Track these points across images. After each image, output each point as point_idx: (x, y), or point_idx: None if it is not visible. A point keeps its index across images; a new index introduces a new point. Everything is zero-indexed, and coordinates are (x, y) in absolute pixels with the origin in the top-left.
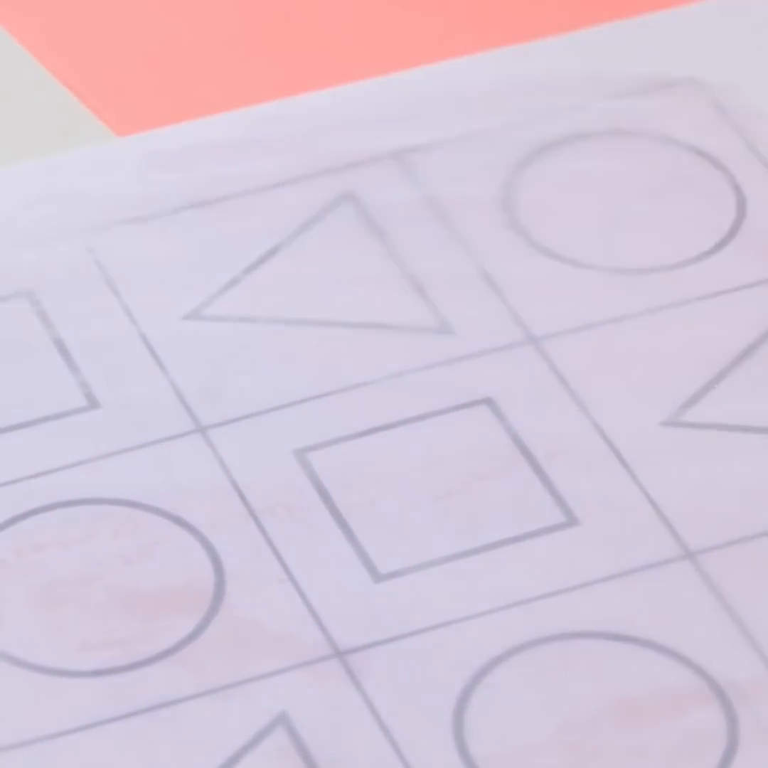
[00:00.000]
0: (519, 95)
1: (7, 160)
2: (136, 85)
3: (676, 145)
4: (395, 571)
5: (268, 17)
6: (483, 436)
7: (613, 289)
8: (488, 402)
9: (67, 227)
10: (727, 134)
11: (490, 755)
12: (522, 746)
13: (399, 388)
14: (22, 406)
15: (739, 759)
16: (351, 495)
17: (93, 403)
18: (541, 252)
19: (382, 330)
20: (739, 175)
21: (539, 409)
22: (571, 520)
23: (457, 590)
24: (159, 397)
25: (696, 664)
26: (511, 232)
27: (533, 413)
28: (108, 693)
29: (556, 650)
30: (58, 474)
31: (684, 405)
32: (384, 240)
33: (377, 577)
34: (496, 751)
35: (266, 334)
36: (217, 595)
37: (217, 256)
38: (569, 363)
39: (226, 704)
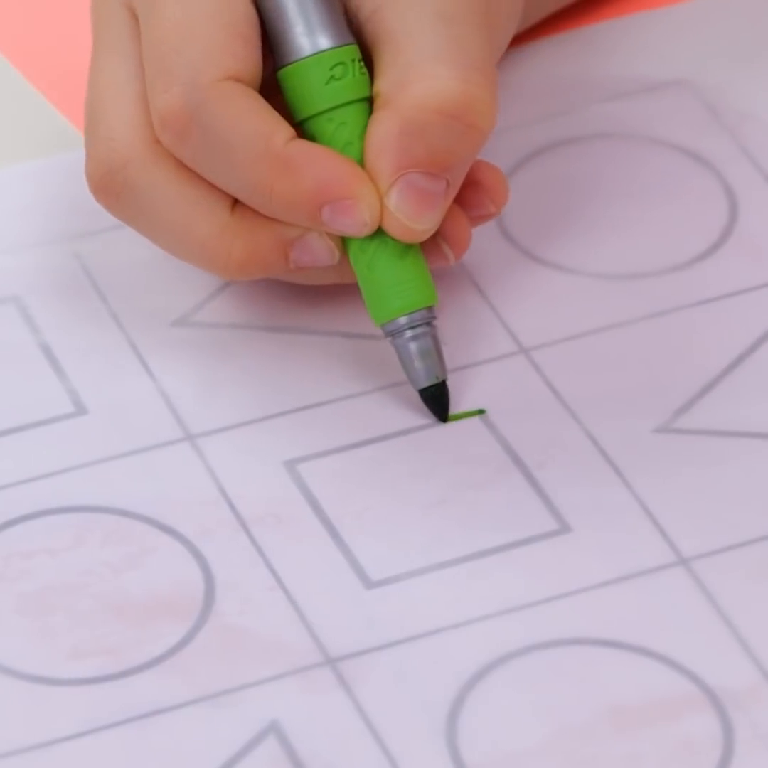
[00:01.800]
0: (507, 100)
1: None
2: None
3: (667, 148)
4: (387, 578)
5: None
6: (474, 445)
7: (604, 295)
8: (480, 413)
9: (53, 233)
10: (719, 136)
11: (483, 762)
12: (515, 753)
13: (390, 399)
14: (8, 412)
15: (734, 766)
16: (342, 504)
17: (81, 410)
18: (532, 259)
19: (373, 340)
20: (731, 178)
21: (530, 418)
22: (563, 528)
23: (449, 597)
24: (148, 405)
25: (690, 670)
26: (501, 240)
27: (525, 422)
28: (98, 701)
29: (549, 657)
30: (46, 481)
31: (676, 412)
32: None
33: (369, 584)
34: (490, 758)
35: (256, 342)
36: (207, 603)
37: None
38: (560, 372)
39: (217, 712)
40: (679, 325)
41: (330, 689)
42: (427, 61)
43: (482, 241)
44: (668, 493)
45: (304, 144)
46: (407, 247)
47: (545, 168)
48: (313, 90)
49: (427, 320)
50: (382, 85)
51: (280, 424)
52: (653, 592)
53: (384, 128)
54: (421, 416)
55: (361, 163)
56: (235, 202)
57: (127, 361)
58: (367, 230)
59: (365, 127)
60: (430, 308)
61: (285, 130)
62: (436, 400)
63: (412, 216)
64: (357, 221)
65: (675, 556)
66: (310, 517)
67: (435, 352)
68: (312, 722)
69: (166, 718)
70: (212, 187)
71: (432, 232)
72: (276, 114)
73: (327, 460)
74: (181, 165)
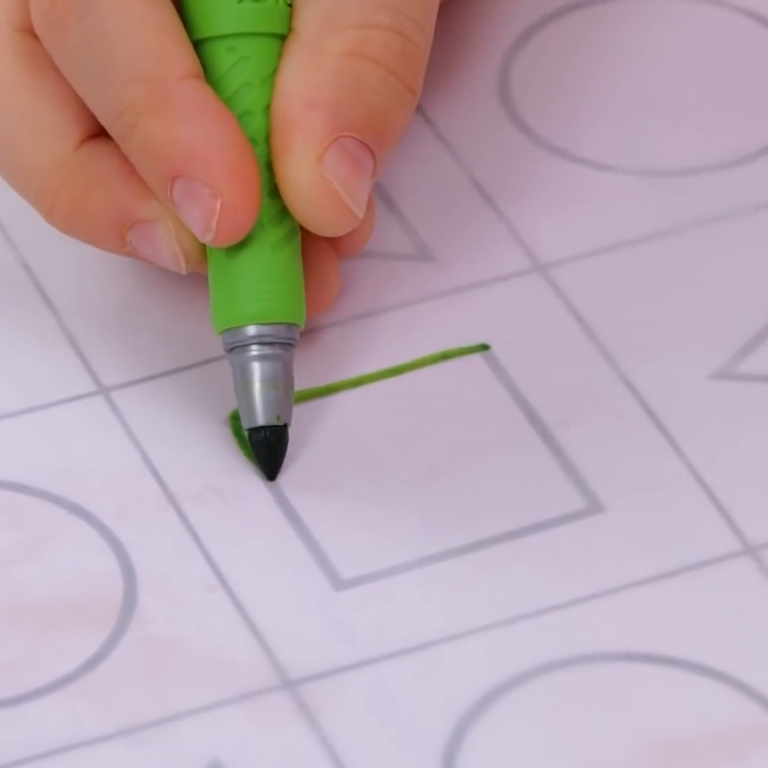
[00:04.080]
0: None
1: None
2: None
3: (726, 10)
4: (362, 576)
5: None
6: (475, 394)
7: (644, 197)
8: (483, 350)
9: None
10: None
11: None
12: None
13: (364, 332)
14: None
15: None
16: (304, 477)
17: None
18: (550, 152)
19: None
20: None
21: (549, 358)
22: (593, 506)
23: (443, 601)
24: (48, 348)
25: (759, 692)
26: (510, 126)
27: (541, 363)
28: None
29: (574, 677)
30: None
31: (739, 352)
32: None
33: (339, 584)
34: None
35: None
36: (127, 606)
37: None
38: (587, 296)
39: (140, 750)
40: (742, 234)
41: (288, 720)
42: (362, 2)
43: (485, 128)
44: (729, 459)
45: (202, 91)
46: (285, 241)
47: (568, 34)
48: (220, 4)
49: (284, 340)
50: (302, 21)
51: (219, 370)
52: (711, 591)
53: (314, 75)
54: (402, 355)
55: (252, 115)
56: (85, 141)
57: (20, 290)
58: (210, 239)
59: (273, 71)
60: (290, 327)
61: (188, 63)
62: (270, 449)
63: (350, 188)
64: (204, 217)
65: (739, 543)
66: (262, 493)
67: (283, 385)
68: (264, 762)
69: (73, 758)
70: (66, 110)
71: (352, 227)
72: (187, 40)
73: None
74: (43, 70)
